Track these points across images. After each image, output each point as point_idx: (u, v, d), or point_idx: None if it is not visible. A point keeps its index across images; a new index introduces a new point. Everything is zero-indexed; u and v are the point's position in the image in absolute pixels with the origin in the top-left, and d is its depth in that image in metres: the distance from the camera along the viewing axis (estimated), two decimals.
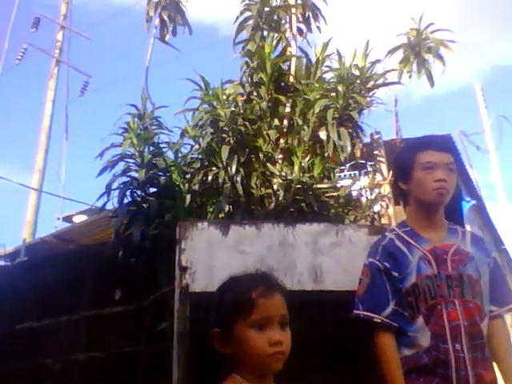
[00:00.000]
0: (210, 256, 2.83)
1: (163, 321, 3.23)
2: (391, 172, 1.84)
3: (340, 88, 3.22)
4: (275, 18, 3.68)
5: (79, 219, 12.05)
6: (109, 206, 3.91)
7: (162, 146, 3.91)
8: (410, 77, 3.91)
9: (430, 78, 3.88)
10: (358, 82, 3.30)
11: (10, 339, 4.41)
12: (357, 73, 3.36)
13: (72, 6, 12.10)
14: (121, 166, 3.88)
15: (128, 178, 3.84)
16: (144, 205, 3.69)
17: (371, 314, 1.66)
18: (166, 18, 4.43)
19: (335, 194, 3.14)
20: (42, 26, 11.84)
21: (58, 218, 11.33)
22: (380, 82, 3.42)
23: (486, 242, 1.83)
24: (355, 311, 1.72)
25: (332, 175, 3.19)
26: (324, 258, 2.49)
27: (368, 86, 3.35)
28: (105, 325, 4.12)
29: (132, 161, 3.83)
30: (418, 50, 3.84)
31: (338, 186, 3.20)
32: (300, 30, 3.80)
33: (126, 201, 3.74)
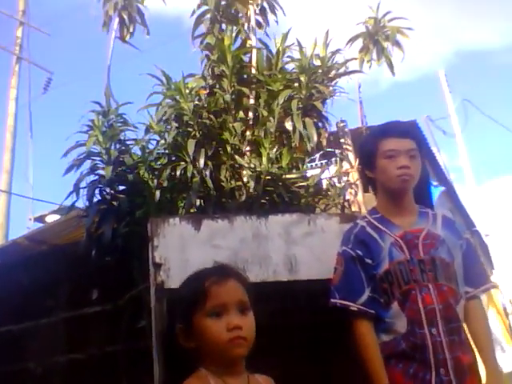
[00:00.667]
0: (184, 251, 2.84)
1: (141, 318, 3.25)
2: (358, 160, 1.87)
3: (302, 78, 3.26)
4: (232, 11, 3.68)
5: (52, 219, 11.81)
6: (79, 205, 3.88)
7: (128, 142, 3.87)
8: (371, 66, 3.98)
9: (390, 65, 3.95)
10: (320, 71, 3.35)
11: None
12: (318, 63, 3.40)
13: (30, 1, 11.71)
14: (88, 164, 3.86)
15: (96, 177, 3.81)
16: (114, 203, 3.67)
17: (347, 303, 1.69)
18: (125, 17, 4.37)
19: (305, 183, 3.19)
20: (0, 23, 11.44)
21: (30, 219, 11.10)
22: (341, 71, 3.47)
23: (458, 223, 1.89)
24: (332, 300, 1.76)
25: (300, 165, 3.24)
26: (298, 248, 2.53)
27: (330, 76, 3.40)
28: (84, 325, 4.11)
29: (98, 158, 3.78)
30: (377, 39, 3.90)
31: (307, 175, 3.26)
32: (258, 23, 3.81)
33: (95, 199, 3.73)
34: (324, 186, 3.39)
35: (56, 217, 11.36)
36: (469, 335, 1.68)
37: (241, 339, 1.14)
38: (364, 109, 3.64)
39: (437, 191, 4.63)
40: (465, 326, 1.68)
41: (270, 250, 2.87)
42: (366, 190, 3.36)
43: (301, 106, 3.26)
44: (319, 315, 2.12)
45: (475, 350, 1.67)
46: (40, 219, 11.48)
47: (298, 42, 3.42)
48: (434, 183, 4.72)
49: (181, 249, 2.88)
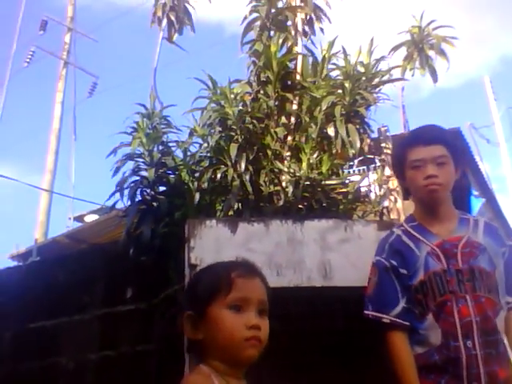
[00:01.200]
0: (219, 254, 2.84)
1: (176, 319, 3.26)
2: (392, 168, 1.82)
3: (346, 85, 3.23)
4: (281, 18, 3.71)
5: (90, 219, 12.16)
6: (119, 205, 3.97)
7: (170, 145, 3.95)
8: (413, 74, 3.92)
9: (433, 74, 3.88)
10: (364, 78, 3.32)
11: (23, 338, 4.48)
12: (362, 70, 3.37)
13: (78, 8, 12.23)
14: (130, 165, 3.95)
15: (138, 177, 3.89)
16: (154, 203, 3.73)
17: (380, 315, 1.65)
18: (173, 18, 4.48)
19: (344, 190, 3.15)
20: (50, 29, 11.98)
21: (70, 218, 11.47)
22: (385, 78, 3.43)
23: (501, 230, 1.79)
24: (365, 311, 1.72)
25: (340, 171, 3.20)
26: (333, 254, 2.48)
27: (374, 83, 3.36)
28: (117, 323, 4.16)
29: (141, 160, 3.87)
30: (421, 47, 3.84)
31: (347, 182, 3.21)
32: (305, 32, 3.83)
33: (136, 200, 3.80)
34: (364, 193, 3.34)
35: (95, 217, 11.72)
36: (508, 347, 1.60)
37: (257, 340, 1.08)
38: (406, 114, 3.57)
39: (478, 202, 4.47)
40: (505, 337, 1.60)
41: (305, 256, 2.82)
42: (405, 198, 3.27)
43: (344, 112, 3.23)
44: (353, 322, 2.07)
45: None
46: (79, 219, 11.84)
47: (344, 50, 3.41)
48: (475, 193, 4.56)
49: (216, 251, 2.88)
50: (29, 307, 4.52)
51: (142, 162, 3.82)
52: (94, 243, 6.30)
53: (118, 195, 3.85)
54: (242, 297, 1.10)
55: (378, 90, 3.39)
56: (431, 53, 3.90)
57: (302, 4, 4.03)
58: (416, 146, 1.63)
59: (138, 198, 3.81)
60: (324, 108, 3.22)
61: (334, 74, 3.63)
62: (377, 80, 3.37)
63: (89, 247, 6.04)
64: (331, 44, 3.62)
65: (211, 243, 2.92)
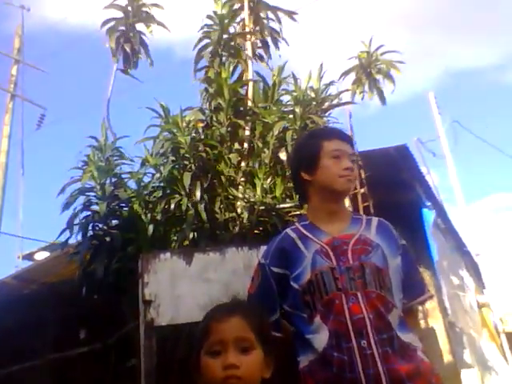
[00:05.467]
0: (175, 287, 2.72)
1: (131, 357, 3.09)
2: (292, 164, 1.73)
3: (297, 110, 3.27)
4: (234, 44, 3.73)
5: (41, 256, 11.61)
6: (71, 241, 3.79)
7: (123, 176, 3.83)
8: (363, 98, 4.04)
9: (381, 96, 4.00)
10: (314, 103, 3.36)
11: None
12: (312, 95, 3.43)
13: (26, 38, 11.95)
14: (81, 199, 3.79)
15: (89, 212, 3.73)
16: (107, 238, 3.58)
17: None
18: (128, 50, 4.42)
19: (298, 212, 3.13)
20: None
21: (19, 257, 10.93)
22: (335, 102, 3.49)
23: (394, 228, 1.68)
24: None
25: (294, 195, 3.19)
26: None
27: (324, 107, 3.42)
28: (71, 367, 3.94)
29: (93, 194, 3.73)
30: (369, 72, 3.97)
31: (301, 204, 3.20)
32: (260, 56, 3.87)
33: (88, 235, 3.63)
34: None
35: (45, 254, 11.18)
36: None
37: (235, 378, 1.11)
38: (354, 133, 3.64)
39: (431, 214, 4.56)
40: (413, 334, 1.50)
41: None
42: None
43: (295, 136, 3.25)
44: None
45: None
46: (29, 257, 11.29)
47: (293, 75, 3.47)
48: (428, 204, 4.66)
49: (172, 284, 2.76)
50: None
51: (94, 196, 3.68)
52: (43, 283, 5.98)
53: (68, 231, 3.71)
54: (217, 340, 1.16)
55: (327, 113, 3.44)
56: (379, 76, 4.05)
57: (256, 27, 4.09)
58: (334, 138, 1.64)
59: (90, 233, 3.66)
60: (276, 133, 3.24)
61: (285, 98, 3.67)
62: (327, 104, 3.42)
63: (39, 288, 5.72)
64: (281, 69, 3.67)
65: (166, 277, 2.79)
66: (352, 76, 4.00)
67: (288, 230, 1.64)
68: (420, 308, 1.69)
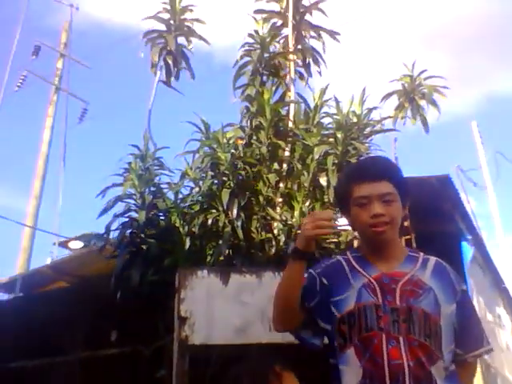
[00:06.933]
0: (210, 306, 2.78)
1: (161, 368, 3.18)
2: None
3: (339, 135, 3.27)
4: (274, 63, 3.76)
5: (75, 245, 12.04)
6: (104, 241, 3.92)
7: (162, 186, 3.94)
8: (405, 123, 3.98)
9: (424, 123, 3.93)
10: (356, 128, 3.35)
11: (3, 378, 4.34)
12: (354, 119, 3.42)
13: (73, 34, 12.28)
14: (120, 205, 3.91)
15: (127, 219, 3.85)
16: (143, 246, 3.68)
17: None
18: (170, 62, 4.52)
19: (336, 240, 3.13)
20: (43, 53, 11.98)
21: (54, 244, 11.29)
22: (377, 127, 3.47)
23: (454, 272, 1.57)
24: None
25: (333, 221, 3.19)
26: None
27: (365, 133, 3.40)
28: (100, 367, 4.05)
29: (132, 201, 3.85)
30: (413, 97, 3.91)
31: (339, 231, 3.20)
32: (301, 75, 3.87)
33: (125, 241, 3.74)
34: (356, 243, 3.33)
35: (79, 243, 11.57)
36: None
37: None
38: (398, 159, 3.60)
39: (469, 249, 4.47)
40: None
41: None
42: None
43: (336, 161, 3.25)
44: None
45: None
46: (63, 245, 11.67)
47: (335, 98, 3.46)
48: (468, 237, 4.56)
49: (207, 303, 2.82)
50: (9, 345, 4.39)
51: (133, 204, 3.79)
52: (77, 275, 6.16)
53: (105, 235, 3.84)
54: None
55: (369, 139, 3.43)
56: (422, 102, 4.00)
57: (300, 47, 4.10)
58: (363, 182, 1.50)
59: (127, 239, 3.76)
60: (316, 157, 3.24)
61: (325, 120, 3.67)
62: (368, 130, 3.41)
63: (73, 281, 5.90)
64: (323, 91, 3.67)
65: (202, 295, 2.85)
66: (393, 99, 3.98)
67: (339, 257, 1.58)
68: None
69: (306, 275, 1.51)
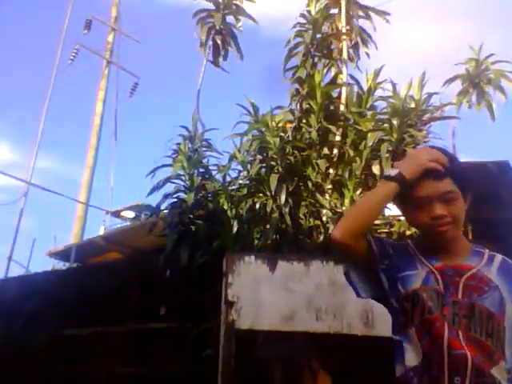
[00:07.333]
0: (257, 292, 2.81)
1: (207, 347, 3.27)
2: None
3: (394, 121, 3.12)
4: (327, 44, 3.62)
5: (126, 215, 12.55)
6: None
7: (211, 168, 3.95)
8: (470, 107, 3.72)
9: (490, 110, 3.67)
10: (414, 114, 3.19)
11: (57, 344, 4.60)
12: (412, 105, 3.25)
13: (124, 8, 12.40)
14: (168, 187, 3.98)
15: (176, 200, 3.91)
16: (192, 227, 3.74)
17: None
18: (219, 42, 4.46)
19: (387, 230, 3.05)
20: (94, 28, 12.19)
21: (107, 212, 11.78)
22: (437, 114, 3.29)
23: None
24: None
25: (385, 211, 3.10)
26: (376, 302, 2.39)
27: (424, 119, 3.23)
28: (149, 340, 4.21)
29: (182, 183, 3.90)
30: (478, 82, 3.64)
31: (391, 221, 3.11)
32: (349, 56, 3.72)
33: (174, 221, 3.82)
34: (408, 234, 3.22)
35: (131, 213, 12.04)
36: None
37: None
38: (457, 152, 3.42)
39: None
40: None
41: (346, 301, 2.74)
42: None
43: (390, 149, 3.13)
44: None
45: None
46: (115, 214, 12.18)
47: (392, 82, 3.29)
48: None
49: (254, 289, 2.85)
50: (64, 313, 4.64)
51: (183, 186, 3.83)
52: (129, 246, 6.40)
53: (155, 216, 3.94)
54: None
55: (427, 126, 3.26)
56: (488, 88, 3.71)
57: (348, 28, 3.93)
58: (423, 180, 1.39)
59: (176, 219, 3.84)
60: (370, 144, 3.12)
61: (379, 104, 3.52)
62: (427, 116, 3.23)
63: (126, 259, 6.13)
64: (377, 73, 3.51)
65: (249, 280, 2.88)
66: (457, 84, 3.72)
67: (403, 243, 1.50)
68: None
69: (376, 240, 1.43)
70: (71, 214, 11.40)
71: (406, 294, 1.37)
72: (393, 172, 1.41)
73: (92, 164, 11.82)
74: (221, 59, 4.67)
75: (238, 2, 4.76)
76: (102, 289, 4.68)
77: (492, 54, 3.86)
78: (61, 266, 8.44)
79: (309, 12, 3.77)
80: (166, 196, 3.88)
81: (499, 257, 1.49)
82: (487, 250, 1.50)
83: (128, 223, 11.36)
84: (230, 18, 4.77)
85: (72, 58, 12.11)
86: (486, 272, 1.41)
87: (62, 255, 8.12)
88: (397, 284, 1.39)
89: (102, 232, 10.73)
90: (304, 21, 3.81)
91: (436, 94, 3.27)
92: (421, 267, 1.41)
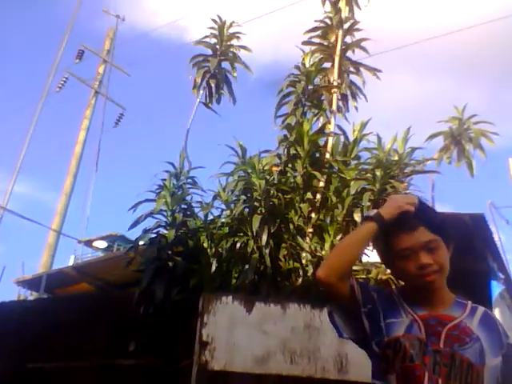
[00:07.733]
0: (232, 333, 2.77)
1: None
2: None
3: (378, 172, 3.23)
4: (317, 95, 3.77)
5: (99, 245, 12.35)
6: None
7: (194, 205, 3.96)
8: (450, 163, 3.90)
9: (470, 167, 3.85)
10: (396, 166, 3.31)
11: (20, 378, 4.39)
12: (395, 157, 3.38)
13: (117, 41, 12.65)
14: (150, 220, 3.97)
15: (156, 235, 3.89)
16: (170, 263, 3.71)
17: None
18: (213, 85, 4.59)
19: (365, 276, 3.09)
20: (86, 58, 12.35)
21: (79, 242, 11.55)
22: (418, 168, 3.42)
23: (502, 325, 1.52)
24: None
25: (363, 258, 3.15)
26: (351, 347, 2.37)
27: (405, 171, 3.36)
28: (116, 376, 4.07)
29: (163, 218, 3.89)
30: (459, 140, 3.84)
31: (370, 268, 3.15)
32: (338, 108, 3.88)
33: (152, 257, 3.78)
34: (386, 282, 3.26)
35: (103, 243, 11.82)
36: None
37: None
38: (435, 204, 3.53)
39: (497, 287, 4.34)
40: None
41: (321, 344, 2.74)
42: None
43: (372, 198, 3.21)
44: None
45: None
46: (87, 243, 11.96)
47: (378, 136, 3.43)
48: (501, 277, 4.42)
49: (229, 329, 2.80)
50: (29, 345, 4.45)
51: (164, 221, 3.83)
52: (99, 278, 6.26)
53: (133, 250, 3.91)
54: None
55: (409, 179, 3.38)
56: (469, 146, 3.94)
57: (339, 81, 4.11)
58: (401, 233, 1.44)
59: (154, 254, 3.80)
60: (353, 192, 3.21)
61: (363, 154, 3.65)
62: (409, 169, 3.36)
63: (98, 292, 5.98)
64: (363, 125, 3.66)
65: (225, 321, 2.84)
66: (439, 140, 3.92)
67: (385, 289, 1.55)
68: None
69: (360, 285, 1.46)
70: (41, 241, 11.11)
71: (389, 340, 1.39)
72: (371, 212, 1.47)
73: (69, 191, 11.68)
74: (214, 101, 4.80)
75: (234, 50, 4.95)
76: (71, 322, 4.54)
77: (475, 115, 4.13)
78: (27, 295, 8.16)
79: (303, 64, 3.96)
80: (146, 231, 3.87)
81: (481, 309, 1.52)
82: (470, 302, 1.53)
83: (99, 253, 11.16)
84: (225, 64, 4.94)
85: (60, 85, 12.21)
86: (468, 323, 1.43)
87: (30, 284, 7.86)
88: (379, 330, 1.41)
89: (71, 261, 10.47)
90: (298, 72, 3.98)
91: (419, 148, 3.42)
92: (405, 315, 1.43)
